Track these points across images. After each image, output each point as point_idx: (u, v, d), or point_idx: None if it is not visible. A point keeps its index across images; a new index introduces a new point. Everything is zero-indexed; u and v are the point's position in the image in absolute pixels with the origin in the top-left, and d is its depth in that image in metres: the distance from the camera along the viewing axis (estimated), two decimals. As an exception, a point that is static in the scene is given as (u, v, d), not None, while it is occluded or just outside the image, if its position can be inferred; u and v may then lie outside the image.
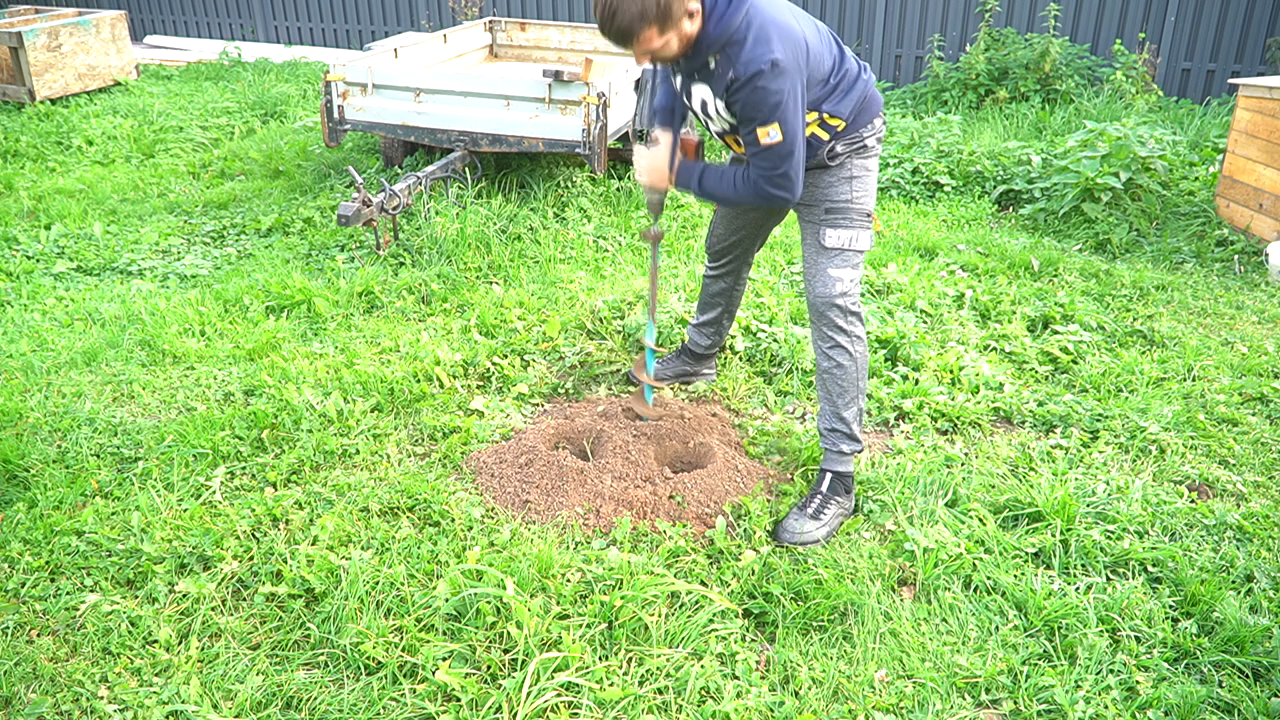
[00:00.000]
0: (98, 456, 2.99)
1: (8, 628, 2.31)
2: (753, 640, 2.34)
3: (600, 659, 2.20)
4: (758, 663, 2.26)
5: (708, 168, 2.70)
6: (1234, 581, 2.52)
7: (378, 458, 3.01)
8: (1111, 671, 2.23)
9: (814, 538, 2.64)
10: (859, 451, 2.83)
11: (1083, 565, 2.57)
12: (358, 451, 3.02)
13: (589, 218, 5.17)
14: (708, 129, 2.72)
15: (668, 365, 3.51)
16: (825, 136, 2.62)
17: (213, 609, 2.37)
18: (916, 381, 3.46)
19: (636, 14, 2.25)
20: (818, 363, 2.80)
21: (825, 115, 2.58)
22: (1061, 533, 2.64)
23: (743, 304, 3.92)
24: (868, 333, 3.74)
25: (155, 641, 2.26)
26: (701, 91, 2.55)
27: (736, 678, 2.20)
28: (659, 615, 2.31)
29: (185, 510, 2.71)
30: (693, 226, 5.22)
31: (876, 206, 5.76)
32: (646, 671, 2.18)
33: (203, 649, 2.26)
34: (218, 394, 3.37)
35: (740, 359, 3.67)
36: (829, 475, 2.78)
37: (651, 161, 2.74)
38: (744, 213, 3.06)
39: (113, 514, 2.70)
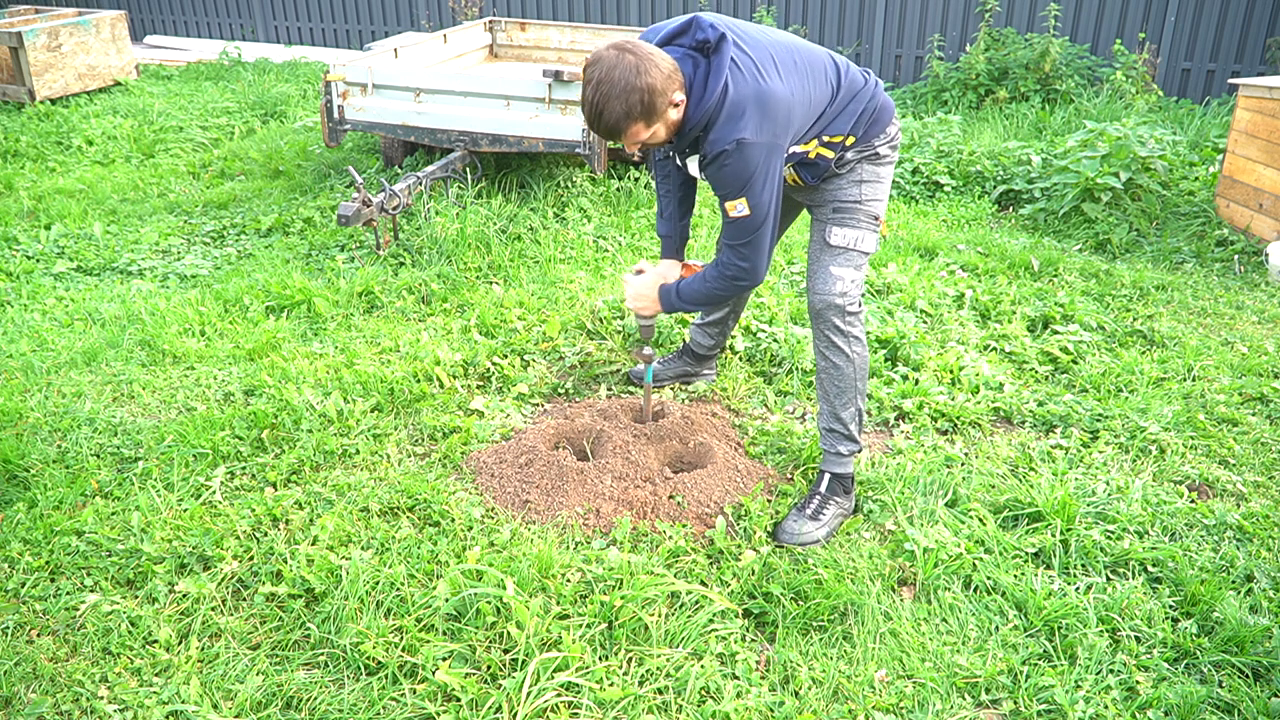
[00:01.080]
0: (98, 456, 2.99)
1: (8, 628, 2.31)
2: (753, 640, 2.34)
3: (600, 659, 2.20)
4: (758, 663, 2.26)
5: (682, 280, 2.77)
6: (1234, 581, 2.52)
7: (378, 458, 3.01)
8: (1111, 671, 2.23)
9: (813, 538, 2.64)
10: (857, 452, 2.82)
11: (1083, 565, 2.57)
12: (358, 451, 3.02)
13: (589, 218, 5.17)
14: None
15: (668, 366, 3.51)
16: (831, 155, 2.63)
17: (213, 609, 2.37)
18: (916, 381, 3.46)
19: (622, 113, 2.29)
20: (816, 362, 2.80)
21: (826, 138, 2.59)
22: (1061, 533, 2.64)
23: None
24: (867, 333, 3.75)
25: (155, 641, 2.26)
26: (693, 164, 2.61)
27: (736, 678, 2.20)
28: (659, 615, 2.31)
29: (185, 510, 2.71)
30: (693, 227, 5.21)
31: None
32: (646, 671, 2.18)
33: (203, 649, 2.26)
34: (218, 394, 3.37)
35: (740, 359, 3.67)
36: (827, 476, 2.78)
37: (639, 289, 2.84)
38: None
39: (113, 514, 2.70)
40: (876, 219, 2.71)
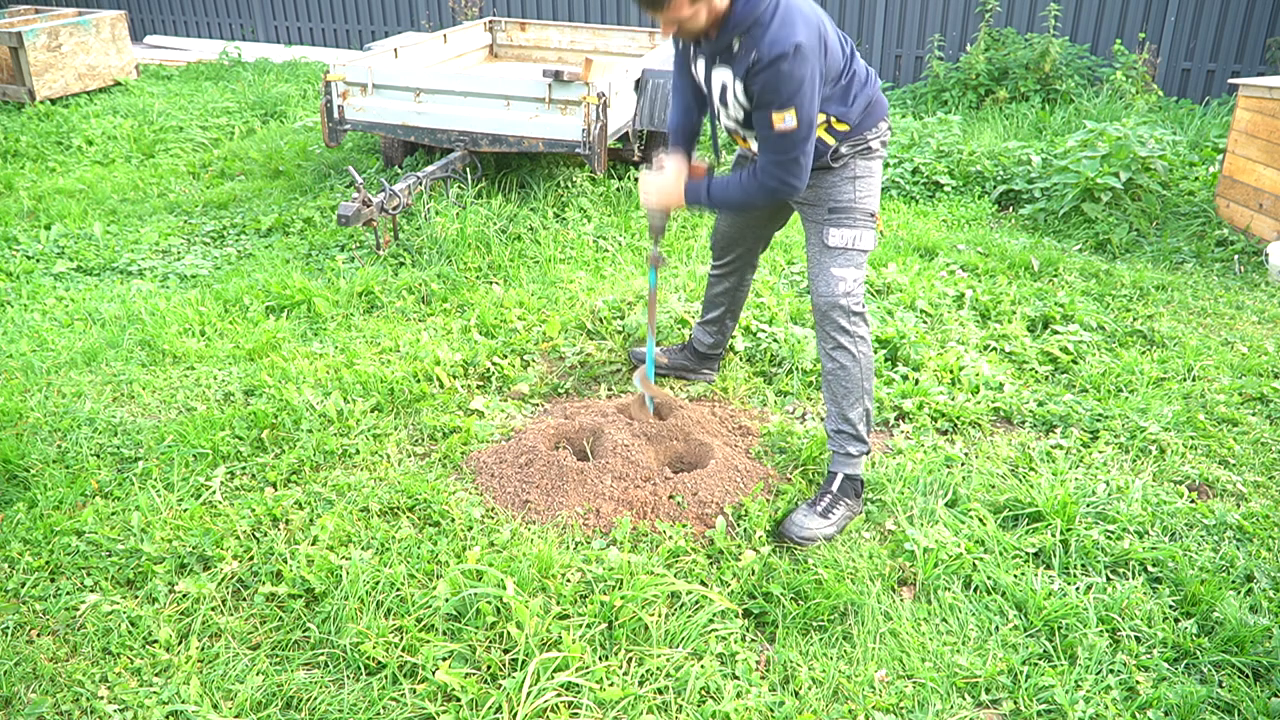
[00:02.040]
0: (98, 456, 2.99)
1: (8, 628, 2.31)
2: (753, 640, 2.34)
3: (600, 659, 2.20)
4: (758, 663, 2.26)
5: (714, 179, 2.70)
6: (1234, 581, 2.52)
7: (378, 458, 3.01)
8: (1111, 671, 2.23)
9: (820, 534, 2.64)
10: (866, 453, 2.81)
11: (1083, 565, 2.57)
12: (358, 451, 3.02)
13: (589, 218, 5.17)
14: (717, 124, 2.72)
15: (671, 356, 3.52)
16: (831, 141, 2.63)
17: (213, 609, 2.37)
18: (916, 381, 3.46)
19: None
20: (822, 364, 2.80)
21: (833, 119, 2.58)
22: (1061, 533, 2.64)
23: (744, 305, 3.91)
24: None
25: (155, 641, 2.26)
26: (723, 75, 2.54)
27: (736, 678, 2.20)
28: (659, 615, 2.32)
29: (185, 510, 2.71)
30: (693, 227, 5.22)
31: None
32: (646, 671, 2.18)
33: (203, 649, 2.26)
34: (218, 394, 3.37)
35: (740, 359, 3.67)
36: (840, 476, 2.77)
37: (660, 184, 2.76)
38: (748, 213, 3.06)
39: (113, 514, 2.70)
40: (872, 215, 2.71)
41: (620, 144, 5.62)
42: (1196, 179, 5.66)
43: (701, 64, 2.61)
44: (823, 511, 2.70)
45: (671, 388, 3.50)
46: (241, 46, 10.37)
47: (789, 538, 2.65)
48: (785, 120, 2.39)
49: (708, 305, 3.41)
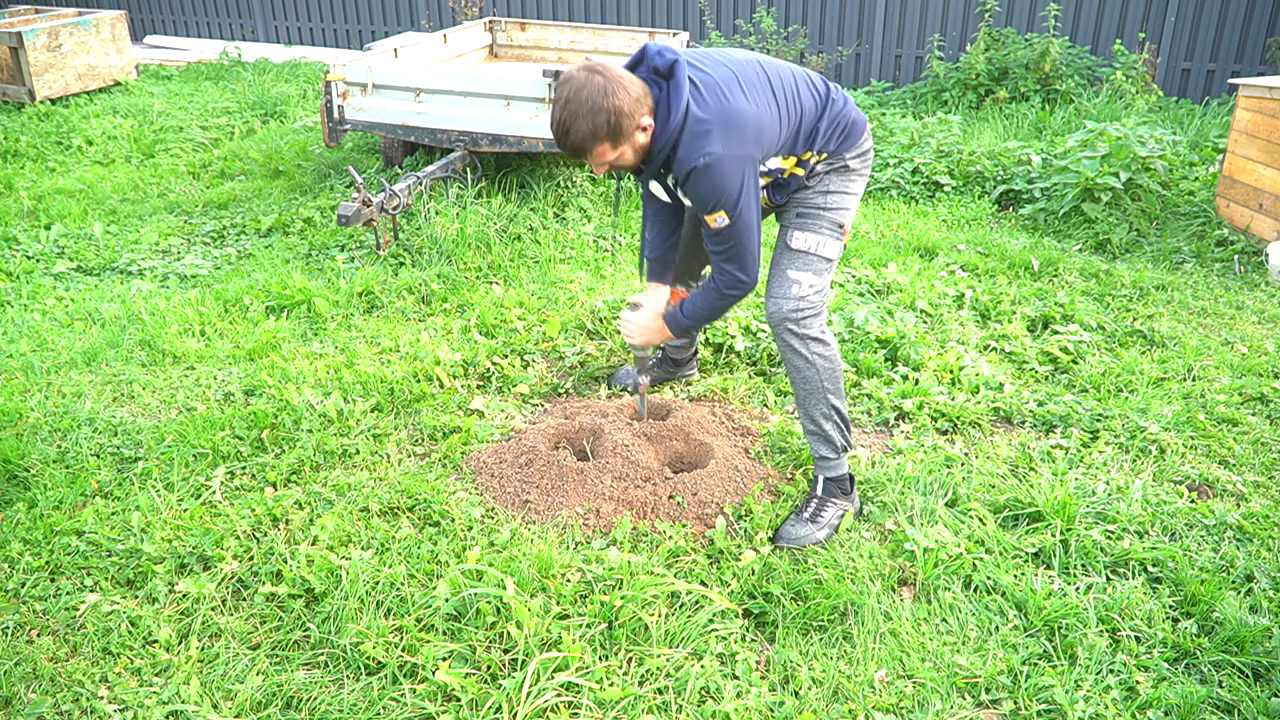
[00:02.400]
0: (98, 456, 2.99)
1: (8, 628, 2.31)
2: (753, 640, 2.34)
3: (600, 659, 2.20)
4: (758, 663, 2.26)
5: (684, 301, 2.76)
6: (1234, 581, 2.52)
7: (378, 458, 3.01)
8: (1111, 671, 2.23)
9: (813, 539, 2.64)
10: (844, 452, 2.77)
11: (1083, 565, 2.57)
12: (358, 451, 3.02)
13: (589, 218, 5.17)
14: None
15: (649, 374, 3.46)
16: (802, 173, 2.65)
17: (213, 609, 2.37)
18: (916, 381, 3.46)
19: (588, 133, 2.30)
20: (785, 366, 2.76)
21: (800, 157, 2.61)
22: (1061, 533, 2.64)
23: (743, 304, 3.92)
24: (868, 333, 3.75)
25: (155, 641, 2.26)
26: (657, 188, 2.67)
27: (736, 678, 2.19)
28: (659, 615, 2.31)
29: (185, 510, 2.71)
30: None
31: (877, 207, 5.76)
32: (646, 671, 2.18)
33: (203, 649, 2.26)
34: (218, 394, 3.37)
35: (740, 359, 3.67)
36: (821, 479, 2.77)
37: (641, 323, 2.85)
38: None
39: (113, 514, 2.70)
40: (841, 227, 2.69)
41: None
42: (1196, 179, 5.66)
43: (643, 177, 2.63)
44: (810, 517, 2.69)
45: (672, 388, 3.50)
46: (241, 46, 10.37)
47: (783, 547, 2.64)
48: (718, 220, 2.46)
49: None
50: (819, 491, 2.75)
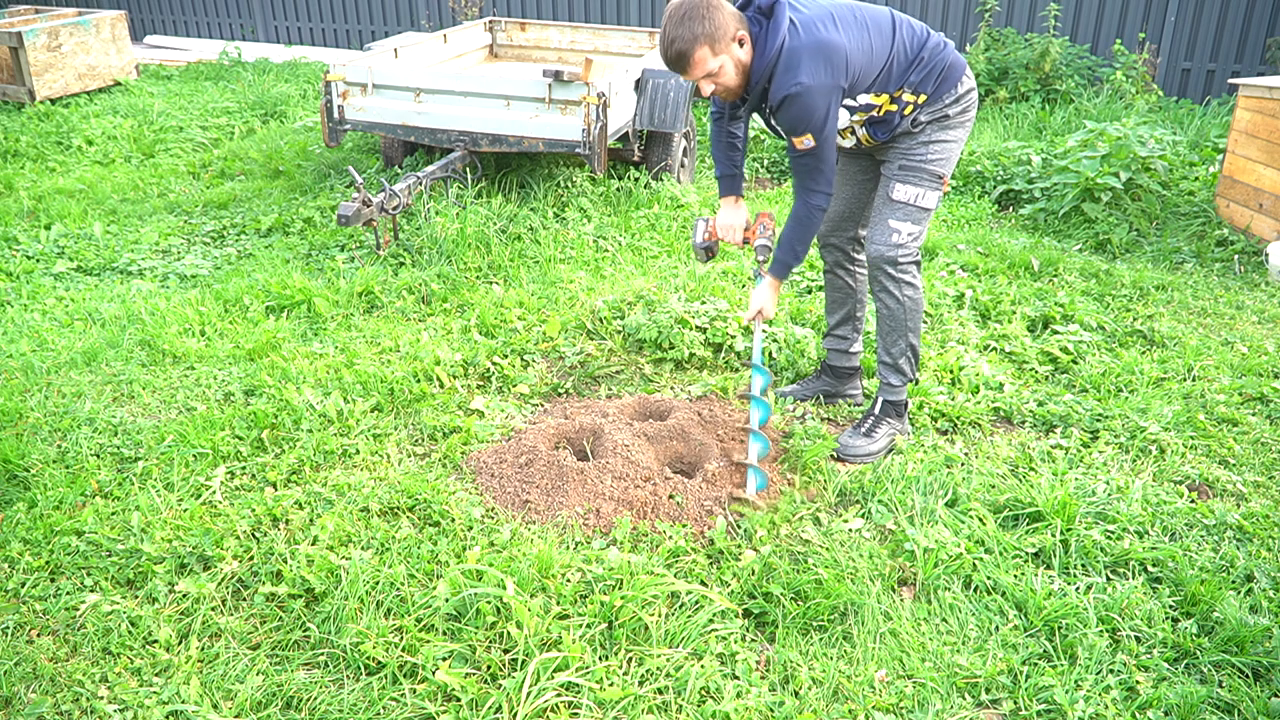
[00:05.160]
0: (98, 456, 2.99)
1: (8, 628, 2.31)
2: (753, 640, 2.34)
3: (600, 659, 2.20)
4: (758, 663, 2.26)
5: (776, 249, 2.98)
6: (1234, 581, 2.52)
7: (378, 458, 3.01)
8: (1111, 671, 2.23)
9: (866, 451, 2.99)
10: (909, 383, 3.13)
11: (1083, 565, 2.57)
12: (358, 451, 3.02)
13: (589, 218, 5.17)
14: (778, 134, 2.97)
15: (806, 387, 3.46)
16: (895, 109, 2.86)
17: (213, 609, 2.37)
18: (917, 381, 3.46)
19: (690, 37, 2.61)
20: (875, 306, 3.06)
21: (893, 94, 2.83)
22: (1061, 533, 2.64)
23: (742, 304, 3.92)
24: (868, 333, 3.75)
25: (155, 641, 2.26)
26: (762, 119, 2.94)
27: (736, 678, 2.19)
28: (659, 615, 2.31)
29: (185, 510, 2.71)
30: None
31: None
32: (646, 671, 2.18)
33: (203, 649, 2.26)
34: (218, 394, 3.37)
35: (740, 359, 3.67)
36: (881, 400, 3.10)
37: (762, 300, 3.02)
38: (841, 186, 3.17)
39: (113, 514, 2.70)
40: (940, 178, 2.93)
41: (620, 144, 5.62)
42: (1196, 179, 5.65)
43: (750, 111, 2.90)
44: (867, 431, 3.05)
45: (672, 388, 3.49)
46: (241, 46, 10.36)
47: (841, 458, 2.99)
48: (804, 142, 2.76)
49: (828, 311, 3.42)
50: (877, 410, 3.09)
